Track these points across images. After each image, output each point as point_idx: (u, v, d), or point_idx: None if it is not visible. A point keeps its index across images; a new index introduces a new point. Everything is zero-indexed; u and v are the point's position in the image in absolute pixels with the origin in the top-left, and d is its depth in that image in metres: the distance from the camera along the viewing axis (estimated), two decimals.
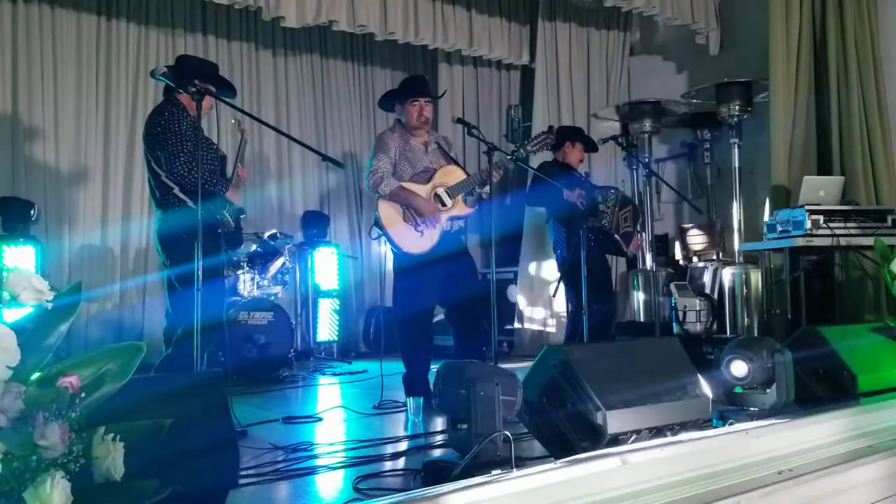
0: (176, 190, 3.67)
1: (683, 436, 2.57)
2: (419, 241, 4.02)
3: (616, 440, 2.50)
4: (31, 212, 5.64)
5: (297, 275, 7.06)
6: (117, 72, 6.56)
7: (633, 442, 2.52)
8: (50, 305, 1.64)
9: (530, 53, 7.74)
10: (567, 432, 2.56)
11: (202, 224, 3.41)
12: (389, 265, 4.39)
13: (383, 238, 4.19)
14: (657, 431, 2.64)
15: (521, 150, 4.35)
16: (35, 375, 1.57)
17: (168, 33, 6.84)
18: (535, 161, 5.11)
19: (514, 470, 2.13)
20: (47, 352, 1.65)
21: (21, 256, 5.37)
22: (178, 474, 1.67)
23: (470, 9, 7.22)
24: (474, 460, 2.22)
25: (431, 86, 4.81)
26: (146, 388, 1.85)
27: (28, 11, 6.19)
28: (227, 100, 3.86)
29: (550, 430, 2.64)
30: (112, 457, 1.58)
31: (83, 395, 1.58)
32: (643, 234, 6.38)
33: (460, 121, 4.32)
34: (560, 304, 6.86)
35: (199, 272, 3.32)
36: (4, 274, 1.66)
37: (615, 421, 2.51)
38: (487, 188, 4.17)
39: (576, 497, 2.08)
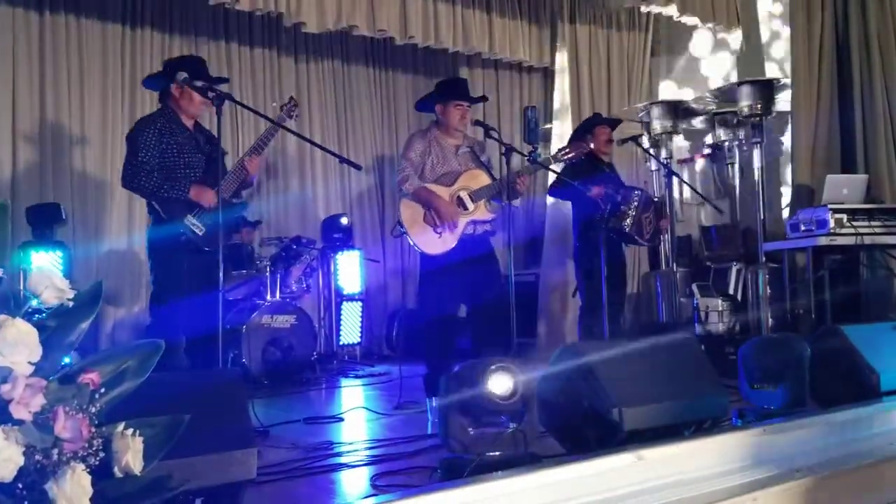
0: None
1: (700, 433, 2.56)
2: (437, 242, 4.04)
3: (633, 437, 2.50)
4: (57, 214, 5.70)
5: (320, 278, 7.12)
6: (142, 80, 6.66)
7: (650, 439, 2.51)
8: (71, 304, 1.68)
9: (551, 56, 7.74)
10: (584, 429, 2.56)
11: (170, 238, 3.55)
12: (412, 267, 4.43)
13: (407, 239, 4.24)
14: (674, 429, 2.64)
15: (551, 158, 4.38)
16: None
17: (191, 41, 6.94)
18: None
19: (530, 466, 2.15)
20: (69, 349, 1.70)
21: (48, 262, 5.47)
22: (194, 469, 1.70)
23: (490, 12, 7.24)
24: (486, 457, 2.23)
25: None
26: (165, 385, 1.89)
27: (54, 21, 6.31)
28: (218, 88, 3.70)
29: (567, 428, 2.64)
30: (131, 451, 1.62)
31: (103, 390, 1.62)
32: (666, 235, 6.33)
33: (479, 123, 4.33)
34: None
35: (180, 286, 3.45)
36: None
37: (632, 418, 2.51)
38: (518, 200, 4.17)
39: (591, 493, 2.09)
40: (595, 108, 7.42)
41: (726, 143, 7.18)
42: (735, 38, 7.06)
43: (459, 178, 4.18)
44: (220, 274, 3.39)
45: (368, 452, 3.06)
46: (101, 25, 6.54)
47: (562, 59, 7.49)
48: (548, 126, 7.69)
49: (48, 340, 1.59)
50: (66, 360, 1.70)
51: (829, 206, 5.13)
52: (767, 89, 6.34)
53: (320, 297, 7.19)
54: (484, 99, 5.01)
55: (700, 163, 7.60)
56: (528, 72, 8.24)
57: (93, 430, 1.56)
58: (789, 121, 6.22)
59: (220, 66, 7.07)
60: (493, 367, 2.25)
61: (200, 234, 3.70)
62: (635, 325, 6.53)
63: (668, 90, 7.54)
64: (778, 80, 6.26)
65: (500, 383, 2.25)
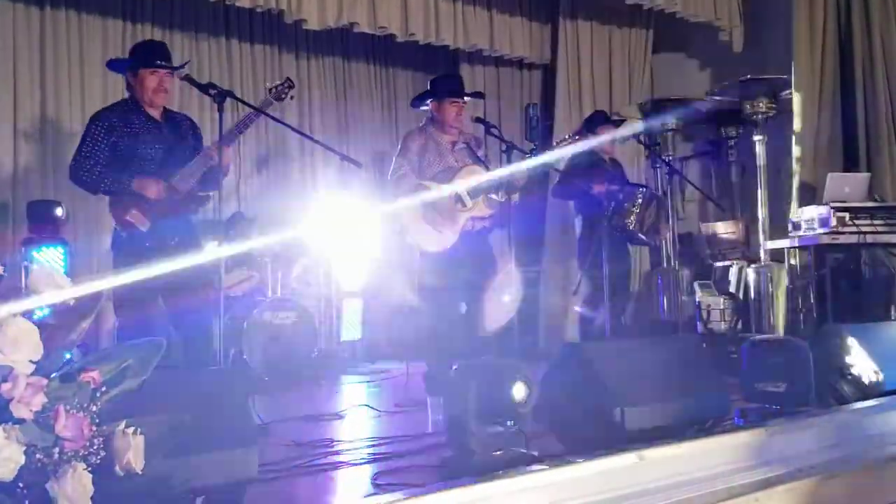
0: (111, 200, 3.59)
1: (702, 433, 2.56)
2: (437, 239, 4.03)
3: (634, 437, 2.49)
4: (58, 210, 5.67)
5: (321, 275, 7.11)
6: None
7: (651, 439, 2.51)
8: (72, 302, 1.68)
9: (551, 52, 7.72)
10: (585, 429, 2.56)
11: (115, 238, 3.48)
12: (415, 265, 4.41)
13: (407, 238, 4.22)
14: (676, 429, 2.63)
15: (547, 150, 4.36)
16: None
17: (192, 37, 6.92)
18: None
19: (531, 466, 2.14)
20: (70, 347, 1.69)
21: (50, 259, 5.46)
22: (196, 468, 1.70)
23: (490, 8, 7.22)
24: (488, 456, 2.23)
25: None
26: (166, 384, 1.88)
27: (55, 17, 6.29)
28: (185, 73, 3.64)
29: (569, 427, 2.64)
30: (132, 450, 1.61)
31: (104, 389, 1.62)
32: (668, 232, 6.32)
33: (479, 120, 4.31)
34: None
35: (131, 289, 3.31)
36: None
37: (634, 418, 2.51)
38: (517, 195, 4.16)
39: (592, 493, 2.08)
40: (596, 106, 7.41)
41: (728, 141, 7.17)
42: (737, 34, 7.04)
43: (457, 174, 4.16)
44: (222, 271, 3.36)
45: (369, 450, 3.05)
46: (101, 21, 6.52)
47: (563, 56, 7.48)
48: (548, 123, 7.66)
49: (50, 339, 1.58)
50: (67, 356, 1.70)
51: (831, 205, 5.12)
52: (769, 86, 6.32)
53: (321, 294, 7.18)
54: (479, 95, 4.98)
55: (702, 160, 7.59)
56: (528, 68, 8.23)
57: (94, 428, 1.56)
58: (791, 118, 6.20)
59: (221, 62, 7.06)
60: (515, 374, 2.28)
61: (145, 229, 3.47)
62: (637, 324, 6.52)
63: (670, 87, 7.51)
64: (780, 76, 6.24)
65: (519, 390, 2.28)
